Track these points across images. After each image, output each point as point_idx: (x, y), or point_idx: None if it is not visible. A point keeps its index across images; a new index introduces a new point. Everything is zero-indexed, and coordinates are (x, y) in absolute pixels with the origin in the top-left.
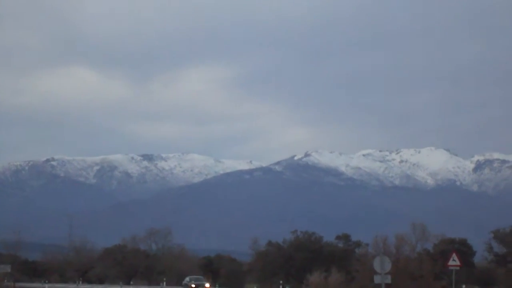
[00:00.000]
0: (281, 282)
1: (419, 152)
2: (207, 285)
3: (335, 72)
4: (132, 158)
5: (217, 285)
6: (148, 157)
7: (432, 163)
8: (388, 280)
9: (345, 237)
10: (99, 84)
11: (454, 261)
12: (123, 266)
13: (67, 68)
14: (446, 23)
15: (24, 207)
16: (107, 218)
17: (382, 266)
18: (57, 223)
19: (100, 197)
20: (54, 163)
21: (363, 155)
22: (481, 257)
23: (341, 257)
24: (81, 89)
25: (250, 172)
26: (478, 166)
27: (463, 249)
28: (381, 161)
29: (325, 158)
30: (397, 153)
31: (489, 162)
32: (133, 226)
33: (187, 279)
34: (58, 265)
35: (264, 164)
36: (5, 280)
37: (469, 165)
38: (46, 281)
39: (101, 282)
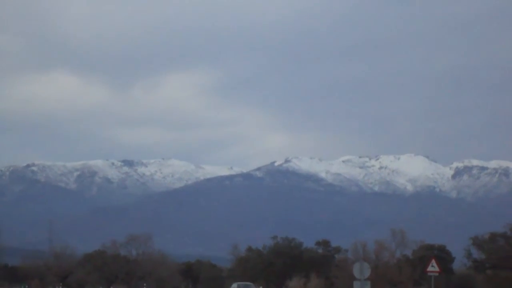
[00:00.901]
0: (261, 287)
1: (398, 159)
2: None
3: (315, 78)
4: (113, 163)
5: None
6: (129, 163)
7: (411, 169)
8: (368, 286)
9: (325, 243)
10: (80, 89)
11: (433, 267)
12: (103, 271)
13: (47, 73)
14: (426, 31)
15: (4, 212)
16: (87, 223)
17: (361, 272)
18: (37, 228)
19: (80, 202)
20: (34, 168)
21: (343, 161)
22: (460, 263)
23: (320, 263)
24: (61, 94)
25: (230, 178)
26: (457, 173)
27: (442, 255)
28: (360, 167)
29: (305, 164)
30: (376, 160)
31: (468, 169)
32: (113, 232)
33: (235, 285)
34: (38, 270)
35: (244, 170)
36: None
37: (448, 172)
38: (26, 286)
39: (81, 287)
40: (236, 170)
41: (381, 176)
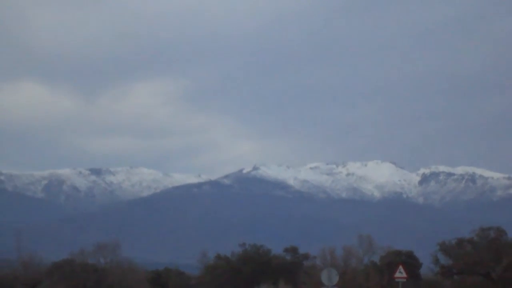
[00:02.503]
0: None
1: (365, 165)
2: None
3: (282, 85)
4: (80, 172)
5: None
6: (96, 171)
7: (378, 176)
8: None
9: (293, 250)
10: (47, 98)
11: (400, 273)
12: (72, 280)
13: (14, 82)
14: (392, 37)
15: None
16: (56, 232)
17: (329, 278)
18: (5, 238)
19: (48, 211)
20: (1, 177)
21: (311, 168)
22: (427, 269)
23: (289, 269)
24: (28, 103)
25: (198, 185)
26: (424, 179)
27: (410, 261)
28: (328, 174)
29: (273, 171)
30: (343, 166)
31: (434, 175)
32: (82, 240)
33: None
34: (5, 279)
35: (212, 178)
36: None
37: (415, 178)
38: None
39: None
40: (204, 177)
41: (349, 182)
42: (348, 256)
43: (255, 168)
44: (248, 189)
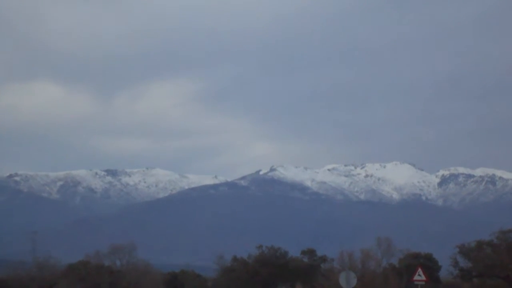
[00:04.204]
0: None
1: (384, 167)
2: None
3: (300, 86)
4: (96, 173)
5: None
6: (112, 172)
7: (397, 177)
8: None
9: (311, 252)
10: (63, 99)
11: (419, 276)
12: (87, 282)
13: (31, 82)
14: (412, 38)
15: None
16: (71, 233)
17: (347, 281)
18: (20, 239)
19: (63, 212)
20: (17, 178)
21: (329, 169)
22: (446, 272)
23: (306, 272)
24: (45, 103)
25: (215, 187)
26: (443, 181)
27: (429, 264)
28: (346, 176)
29: (291, 172)
30: (362, 168)
31: (454, 176)
32: (97, 242)
33: None
34: (21, 281)
35: (229, 179)
36: None
37: (434, 180)
38: None
39: None
40: (221, 179)
41: (367, 184)
42: (366, 258)
43: (272, 169)
44: (265, 191)
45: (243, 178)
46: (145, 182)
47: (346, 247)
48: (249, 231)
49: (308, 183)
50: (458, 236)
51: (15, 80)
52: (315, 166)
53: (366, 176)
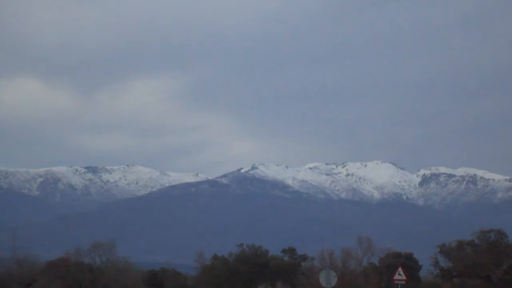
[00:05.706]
0: None
1: (365, 166)
2: None
3: (283, 85)
4: (76, 170)
5: None
6: (93, 169)
7: (378, 177)
8: None
9: (291, 251)
10: (44, 95)
11: (400, 276)
12: (67, 279)
13: (11, 78)
14: (395, 38)
15: None
16: (51, 230)
17: (328, 280)
18: None
19: (43, 209)
20: None
21: (310, 168)
22: (427, 271)
23: (287, 270)
24: (25, 99)
25: (196, 184)
26: (424, 180)
27: (409, 263)
28: (327, 175)
29: (272, 171)
30: (343, 167)
31: (435, 176)
32: (77, 239)
33: None
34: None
35: (210, 177)
36: None
37: (415, 179)
38: None
39: None
40: (202, 177)
41: (348, 183)
42: (347, 257)
43: (253, 167)
44: (246, 189)
45: (224, 176)
46: (125, 179)
47: (327, 246)
48: (230, 229)
49: (290, 182)
50: (439, 235)
51: None
52: (296, 165)
53: (347, 175)
